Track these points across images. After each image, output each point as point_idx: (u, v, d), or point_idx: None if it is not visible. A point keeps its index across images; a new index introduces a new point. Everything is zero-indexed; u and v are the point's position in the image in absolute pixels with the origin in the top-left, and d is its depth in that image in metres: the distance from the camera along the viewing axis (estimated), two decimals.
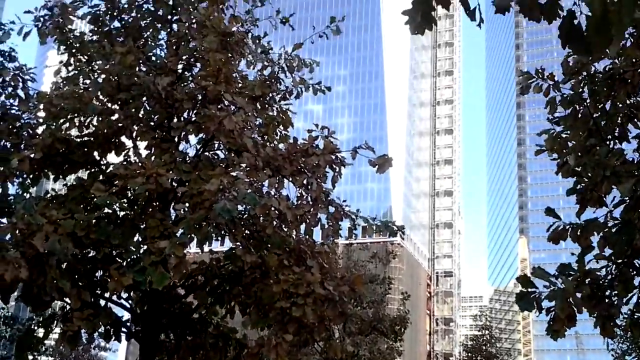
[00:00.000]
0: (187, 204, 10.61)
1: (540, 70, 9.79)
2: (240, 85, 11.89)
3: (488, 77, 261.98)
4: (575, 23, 3.79)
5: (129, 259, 10.62)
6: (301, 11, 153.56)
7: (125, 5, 12.91)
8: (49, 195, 11.52)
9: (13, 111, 12.02)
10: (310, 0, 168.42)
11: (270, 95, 12.26)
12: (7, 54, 20.76)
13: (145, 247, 10.35)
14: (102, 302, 11.07)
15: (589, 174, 9.10)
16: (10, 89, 11.83)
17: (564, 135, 9.84)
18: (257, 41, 13.30)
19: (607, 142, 9.50)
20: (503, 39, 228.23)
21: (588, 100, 9.53)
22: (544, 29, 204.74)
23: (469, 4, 3.83)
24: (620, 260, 8.13)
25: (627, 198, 8.55)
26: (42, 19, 12.21)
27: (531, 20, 3.81)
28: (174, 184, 11.07)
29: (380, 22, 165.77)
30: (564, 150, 9.63)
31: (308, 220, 11.23)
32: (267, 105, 12.59)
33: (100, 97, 11.57)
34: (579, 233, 9.01)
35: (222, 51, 11.43)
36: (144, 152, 11.89)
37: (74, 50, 12.16)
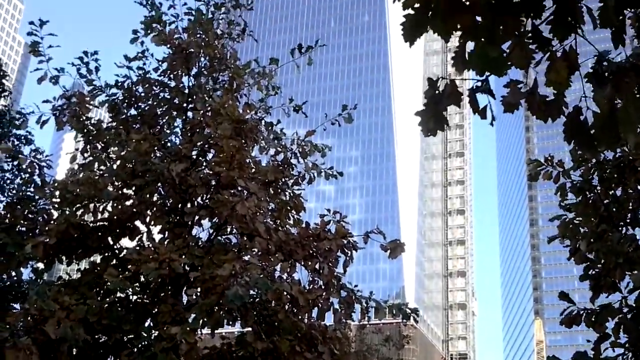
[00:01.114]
0: (199, 289, 10.63)
1: (549, 158, 9.91)
2: (253, 170, 12.06)
3: (499, 157, 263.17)
4: (581, 119, 3.89)
5: (140, 345, 10.57)
6: (313, 95, 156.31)
7: (142, 94, 13.23)
8: (61, 280, 11.57)
9: (28, 196, 12.21)
10: (323, 85, 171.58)
11: (283, 180, 12.41)
12: (23, 138, 21.31)
13: (157, 332, 10.32)
14: None
15: (602, 260, 9.09)
16: (27, 176, 12.04)
17: (576, 222, 9.87)
18: (270, 127, 13.53)
19: (619, 229, 9.52)
20: (513, 120, 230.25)
21: (598, 187, 9.60)
22: None
23: (478, 105, 3.95)
24: (635, 348, 8.03)
25: None
26: (60, 107, 12.51)
27: (538, 119, 3.91)
28: (186, 268, 11.11)
29: (392, 105, 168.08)
30: (577, 237, 9.64)
31: (320, 305, 11.19)
32: (279, 190, 12.72)
33: (115, 183, 11.75)
34: (593, 319, 8.93)
35: (235, 138, 11.64)
36: (157, 237, 11.98)
37: (90, 138, 12.41)
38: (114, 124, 12.90)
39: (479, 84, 3.95)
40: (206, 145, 12.38)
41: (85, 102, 12.38)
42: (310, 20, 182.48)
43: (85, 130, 12.39)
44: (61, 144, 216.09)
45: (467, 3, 3.54)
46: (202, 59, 13.33)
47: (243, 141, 11.94)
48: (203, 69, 13.32)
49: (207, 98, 12.80)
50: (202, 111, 12.46)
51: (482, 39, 3.59)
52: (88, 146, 12.44)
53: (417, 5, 3.69)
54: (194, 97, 12.91)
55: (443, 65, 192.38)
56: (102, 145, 12.39)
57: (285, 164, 12.39)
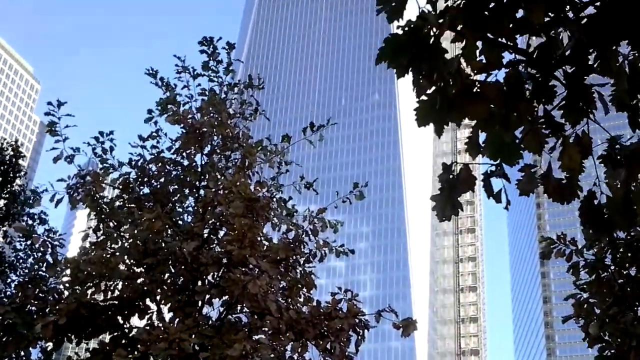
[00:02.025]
0: None
1: (562, 236, 9.87)
2: (264, 248, 12.04)
3: (510, 234, 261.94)
4: (595, 203, 3.89)
5: None
6: (324, 172, 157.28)
7: (155, 172, 13.35)
8: None
9: (40, 275, 12.21)
10: (334, 162, 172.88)
11: (294, 258, 12.38)
12: (37, 216, 21.46)
13: None
14: None
15: (618, 341, 8.93)
16: (39, 255, 12.06)
17: (590, 301, 9.75)
18: (283, 204, 13.59)
19: (634, 309, 9.39)
20: (524, 197, 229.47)
21: (612, 267, 9.52)
22: None
23: (493, 189, 3.97)
24: None
25: None
26: (74, 186, 12.62)
27: (555, 202, 3.92)
28: (196, 348, 10.97)
29: (402, 181, 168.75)
30: (591, 317, 9.51)
31: None
32: (290, 268, 12.66)
33: (127, 261, 11.75)
34: None
35: (247, 216, 11.67)
36: (167, 316, 11.89)
37: (103, 216, 12.47)
38: (127, 202, 12.98)
39: (493, 168, 3.97)
40: (218, 224, 12.41)
41: (99, 181, 12.50)
42: (322, 99, 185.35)
43: (99, 209, 12.46)
44: (73, 221, 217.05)
45: (480, 91, 3.60)
46: (215, 138, 13.49)
47: (255, 219, 11.96)
48: (216, 148, 13.46)
49: (219, 176, 12.90)
50: (214, 189, 12.54)
51: (497, 126, 3.63)
52: (101, 225, 12.49)
53: (429, 92, 3.75)
54: (207, 175, 13.02)
55: (452, 142, 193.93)
56: (115, 223, 12.44)
57: (296, 241, 12.37)
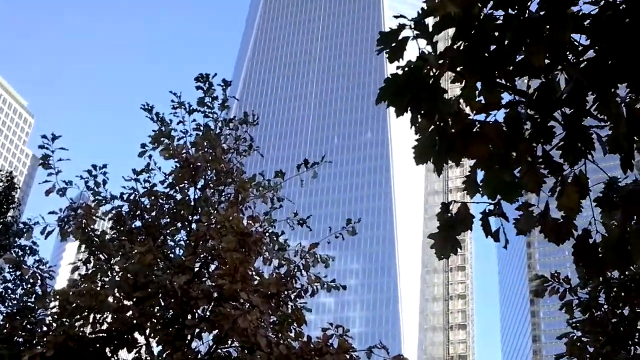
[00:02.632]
0: None
1: (555, 274, 9.87)
2: (255, 283, 11.99)
3: (500, 272, 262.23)
4: (589, 242, 3.91)
5: None
6: (316, 208, 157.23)
7: (148, 206, 13.32)
8: None
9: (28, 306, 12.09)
10: (326, 198, 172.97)
11: (286, 293, 12.32)
12: (27, 248, 21.32)
13: None
14: None
15: None
16: (28, 286, 11.97)
17: (583, 339, 9.72)
18: (275, 238, 13.57)
19: (628, 348, 9.37)
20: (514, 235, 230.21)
21: (605, 306, 9.52)
22: None
23: (491, 228, 3.99)
24: None
25: None
26: (65, 219, 12.58)
27: (550, 241, 3.95)
28: None
29: (394, 219, 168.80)
30: (584, 356, 9.48)
31: None
32: (282, 303, 12.59)
33: (117, 294, 11.66)
34: None
35: (239, 250, 11.64)
36: (156, 349, 11.77)
37: (94, 249, 12.41)
38: (118, 235, 12.93)
39: (492, 207, 4.00)
40: (209, 258, 12.36)
41: (91, 213, 12.46)
42: (315, 137, 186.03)
43: (89, 241, 12.41)
44: (62, 253, 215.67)
45: (479, 131, 3.64)
46: (209, 172, 13.51)
47: (247, 254, 11.93)
48: (209, 182, 13.47)
49: (212, 211, 12.89)
50: (207, 223, 12.52)
51: (496, 166, 3.66)
52: (91, 257, 12.42)
53: (429, 131, 3.79)
54: (200, 209, 13.01)
55: (444, 181, 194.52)
56: (106, 256, 12.37)
57: (288, 276, 12.33)
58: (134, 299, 11.64)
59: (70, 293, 11.35)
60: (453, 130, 3.68)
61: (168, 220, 13.33)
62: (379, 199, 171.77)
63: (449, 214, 4.06)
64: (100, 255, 12.39)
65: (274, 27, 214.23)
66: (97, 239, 12.44)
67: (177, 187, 13.33)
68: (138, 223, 13.22)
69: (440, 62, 3.61)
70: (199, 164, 13.04)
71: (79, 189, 13.01)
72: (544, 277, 9.92)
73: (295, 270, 12.45)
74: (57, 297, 11.40)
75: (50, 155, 12.51)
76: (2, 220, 20.59)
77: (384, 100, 3.78)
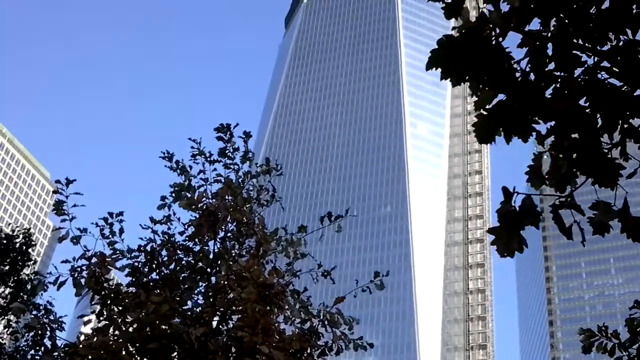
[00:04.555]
0: None
1: (603, 328, 9.11)
2: (277, 339, 11.29)
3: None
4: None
5: None
6: (341, 268, 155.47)
7: (165, 259, 12.76)
8: None
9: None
10: (351, 258, 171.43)
11: (309, 350, 11.59)
12: (42, 307, 20.59)
13: None
14: None
15: None
16: (37, 338, 11.34)
17: None
18: (296, 296, 12.90)
19: None
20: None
21: None
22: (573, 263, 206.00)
23: (564, 222, 3.40)
24: None
25: None
26: (79, 268, 12.04)
27: (635, 241, 3.35)
28: None
29: (413, 295, 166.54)
30: None
31: None
32: None
33: (130, 348, 10.99)
34: None
35: (260, 303, 11.00)
36: None
37: (108, 301, 11.81)
38: (134, 287, 12.34)
39: (563, 199, 3.41)
40: (229, 311, 11.70)
41: (105, 263, 11.91)
42: (335, 202, 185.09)
43: (104, 293, 11.81)
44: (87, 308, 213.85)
45: (563, 87, 3.08)
46: (230, 223, 12.99)
47: (268, 307, 11.29)
48: (230, 234, 12.94)
49: (231, 262, 12.32)
50: (226, 274, 11.92)
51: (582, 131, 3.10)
52: (104, 309, 11.81)
53: (488, 107, 3.25)
54: (219, 261, 12.44)
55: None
56: (120, 308, 11.75)
57: (312, 332, 11.62)
58: (148, 351, 10.96)
59: (81, 346, 10.71)
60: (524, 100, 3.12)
61: (186, 273, 12.75)
62: (398, 273, 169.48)
63: (512, 207, 3.47)
64: (114, 307, 11.77)
65: (296, 97, 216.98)
66: (110, 291, 11.84)
67: (196, 239, 12.79)
68: (154, 275, 12.64)
69: (505, 20, 3.10)
70: (219, 214, 12.53)
71: (95, 237, 12.47)
72: (590, 331, 9.16)
73: (320, 325, 11.76)
74: (67, 350, 10.76)
75: (64, 201, 12.05)
76: (17, 277, 20.03)
77: (436, 67, 3.24)
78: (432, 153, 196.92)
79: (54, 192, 11.98)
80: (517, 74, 3.15)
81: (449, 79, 3.18)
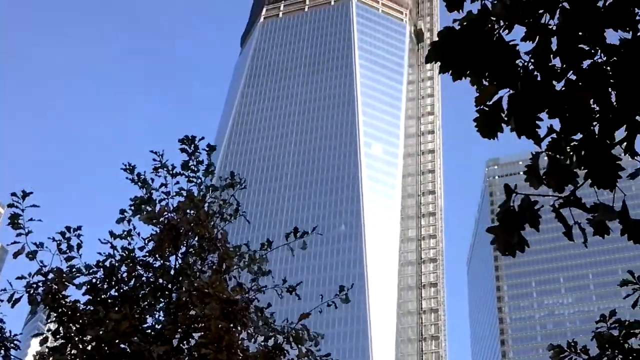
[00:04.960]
0: None
1: (572, 343, 9.09)
2: (241, 356, 11.02)
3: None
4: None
5: None
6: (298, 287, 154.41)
7: (125, 275, 12.40)
8: None
9: None
10: (305, 277, 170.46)
11: None
12: None
13: None
14: None
15: None
16: None
17: None
18: (260, 313, 12.65)
19: None
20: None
21: None
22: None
23: (567, 221, 3.29)
24: None
25: None
26: (34, 285, 11.61)
27: (636, 243, 3.26)
28: None
29: (367, 314, 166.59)
30: None
31: None
32: None
33: None
34: None
35: (224, 319, 10.75)
36: None
37: (64, 319, 11.40)
38: (92, 304, 11.94)
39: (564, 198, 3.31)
40: (191, 328, 11.39)
41: (63, 279, 11.50)
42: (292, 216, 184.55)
43: (60, 310, 11.40)
44: (34, 330, 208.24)
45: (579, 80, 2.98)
46: (192, 238, 12.70)
47: (231, 324, 11.03)
48: (191, 249, 12.64)
49: (193, 278, 12.02)
50: (188, 290, 11.62)
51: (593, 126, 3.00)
52: (61, 327, 11.39)
53: (489, 103, 3.14)
54: (180, 277, 12.13)
55: (418, 276, 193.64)
56: (77, 326, 11.35)
57: (276, 349, 11.38)
58: None
59: None
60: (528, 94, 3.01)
61: (146, 290, 12.40)
62: (353, 292, 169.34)
63: (511, 206, 3.36)
64: (72, 325, 11.36)
65: (251, 117, 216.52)
66: (67, 308, 11.43)
67: (156, 254, 12.47)
68: (113, 292, 12.25)
69: (510, 12, 2.99)
70: (181, 228, 12.24)
71: (52, 252, 12.04)
72: (560, 347, 9.13)
73: (285, 342, 11.53)
74: None
75: (20, 214, 11.63)
76: None
77: (436, 61, 3.12)
78: (386, 173, 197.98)
79: (9, 205, 11.55)
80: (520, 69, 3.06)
81: (449, 73, 3.07)
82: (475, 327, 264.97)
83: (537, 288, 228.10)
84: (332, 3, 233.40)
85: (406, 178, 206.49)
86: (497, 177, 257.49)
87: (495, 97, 3.11)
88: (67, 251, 12.16)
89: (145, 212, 12.78)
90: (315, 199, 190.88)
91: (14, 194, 11.62)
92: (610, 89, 2.91)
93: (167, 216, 12.53)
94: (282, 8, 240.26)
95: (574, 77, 2.99)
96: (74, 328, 11.38)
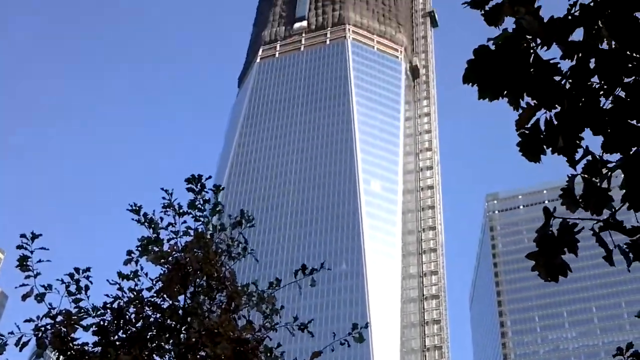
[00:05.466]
0: None
1: None
2: None
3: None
4: None
5: None
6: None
7: (133, 316, 12.24)
8: None
9: None
10: (307, 316, 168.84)
11: None
12: None
13: None
14: None
15: None
16: None
17: None
18: (269, 353, 12.45)
19: None
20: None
21: None
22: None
23: (608, 246, 3.21)
24: None
25: None
26: (43, 328, 11.45)
27: None
28: None
29: (371, 353, 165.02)
30: None
31: None
32: None
33: None
34: None
35: (235, 359, 10.59)
36: None
37: None
38: (99, 347, 11.76)
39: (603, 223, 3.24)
40: None
41: (71, 321, 11.35)
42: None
43: (69, 353, 11.22)
44: None
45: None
46: (199, 278, 12.56)
47: None
48: (200, 289, 12.50)
49: (202, 318, 11.86)
50: (198, 331, 11.46)
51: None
52: None
53: (528, 126, 3.09)
54: (189, 317, 11.96)
55: (420, 308, 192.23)
56: None
57: None
58: None
59: None
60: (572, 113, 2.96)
61: (154, 332, 12.23)
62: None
63: (550, 231, 3.28)
64: None
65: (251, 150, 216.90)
66: (77, 350, 11.26)
67: (164, 295, 12.32)
68: (121, 334, 12.08)
69: (547, 31, 2.95)
70: (189, 268, 12.12)
71: (60, 294, 11.90)
72: None
73: None
74: None
75: (29, 256, 11.52)
76: None
77: (471, 84, 3.06)
78: (385, 209, 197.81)
79: (18, 247, 11.45)
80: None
81: (486, 97, 3.00)
82: None
83: (541, 323, 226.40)
84: (328, 42, 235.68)
85: (406, 214, 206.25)
86: (497, 212, 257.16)
87: (533, 119, 3.05)
88: (76, 293, 12.02)
89: (152, 252, 12.67)
90: (316, 237, 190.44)
91: (23, 236, 11.54)
92: None
93: (175, 255, 12.41)
94: (278, 48, 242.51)
95: (622, 95, 2.95)
96: None
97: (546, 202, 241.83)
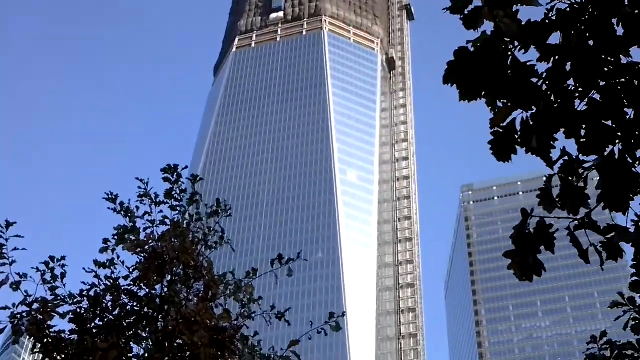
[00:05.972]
0: None
1: None
2: None
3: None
4: None
5: None
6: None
7: (109, 304, 12.25)
8: None
9: None
10: (284, 304, 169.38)
11: None
12: None
13: None
14: None
15: None
16: None
17: None
18: (245, 342, 12.53)
19: None
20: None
21: None
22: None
23: (582, 246, 3.32)
24: None
25: None
26: (19, 315, 11.44)
27: None
28: None
29: (347, 341, 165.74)
30: None
31: None
32: None
33: None
34: None
35: (212, 347, 10.66)
36: None
37: (50, 349, 11.22)
38: (76, 334, 11.76)
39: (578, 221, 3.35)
40: (179, 355, 11.26)
41: (48, 309, 11.34)
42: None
43: (46, 341, 11.22)
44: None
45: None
46: (176, 267, 12.59)
47: (219, 352, 10.94)
48: (176, 277, 12.53)
49: (180, 307, 11.89)
50: (175, 320, 11.49)
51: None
52: (47, 358, 11.21)
53: (503, 125, 3.18)
54: (166, 306, 11.99)
55: (396, 297, 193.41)
56: (63, 356, 11.17)
57: None
58: None
59: None
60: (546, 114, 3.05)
61: (131, 320, 12.25)
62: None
63: (527, 230, 3.38)
64: (58, 356, 11.18)
65: (225, 146, 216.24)
66: (54, 337, 11.26)
67: (141, 283, 12.33)
68: (98, 321, 12.09)
69: (526, 33, 3.03)
70: (166, 256, 12.14)
71: (35, 282, 11.87)
72: None
73: None
74: None
75: (4, 244, 11.48)
76: None
77: (450, 83, 3.14)
78: (362, 199, 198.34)
79: None
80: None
81: (466, 99, 3.08)
82: (455, 351, 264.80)
83: (515, 312, 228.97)
84: (304, 33, 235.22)
85: (382, 204, 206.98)
86: (472, 203, 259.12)
87: (509, 119, 3.14)
88: (51, 281, 12.00)
89: (129, 241, 12.66)
90: (292, 225, 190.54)
91: None
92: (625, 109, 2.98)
93: (152, 244, 12.42)
94: (254, 38, 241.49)
95: (596, 97, 3.05)
96: (60, 358, 11.20)
97: (520, 193, 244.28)
